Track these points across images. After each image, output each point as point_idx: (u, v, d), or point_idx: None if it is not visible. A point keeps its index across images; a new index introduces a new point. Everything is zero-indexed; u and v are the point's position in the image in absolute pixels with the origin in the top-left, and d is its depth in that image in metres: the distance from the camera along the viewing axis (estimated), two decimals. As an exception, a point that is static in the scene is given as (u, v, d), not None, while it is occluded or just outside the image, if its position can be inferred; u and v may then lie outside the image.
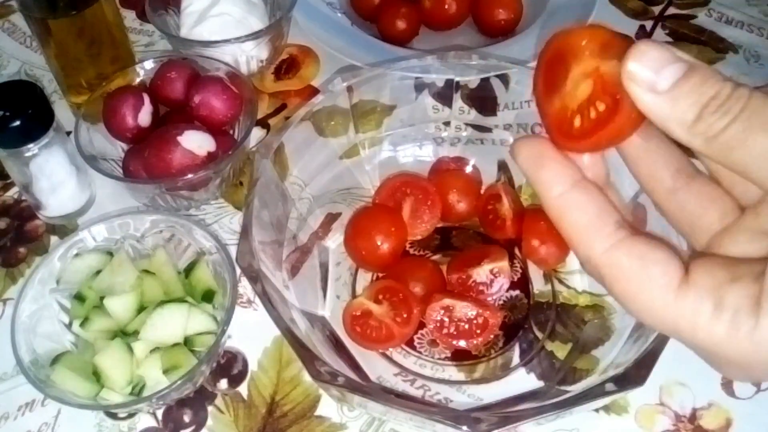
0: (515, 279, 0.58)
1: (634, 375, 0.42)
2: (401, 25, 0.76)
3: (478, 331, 0.53)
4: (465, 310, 0.53)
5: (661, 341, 0.43)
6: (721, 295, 0.26)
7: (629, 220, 0.29)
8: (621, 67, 0.25)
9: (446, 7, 0.77)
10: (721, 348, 0.26)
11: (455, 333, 0.53)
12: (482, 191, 0.61)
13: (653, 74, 0.25)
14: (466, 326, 0.53)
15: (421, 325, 0.55)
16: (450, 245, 0.61)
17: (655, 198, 0.31)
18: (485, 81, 0.61)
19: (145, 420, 0.53)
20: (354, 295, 0.58)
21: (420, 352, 0.54)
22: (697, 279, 0.26)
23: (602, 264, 0.28)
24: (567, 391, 0.48)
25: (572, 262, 0.59)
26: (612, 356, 0.49)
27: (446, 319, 0.53)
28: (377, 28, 0.78)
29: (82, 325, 0.52)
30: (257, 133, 0.70)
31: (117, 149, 0.66)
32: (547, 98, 0.30)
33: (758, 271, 0.26)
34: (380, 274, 0.58)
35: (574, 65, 0.28)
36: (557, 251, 0.57)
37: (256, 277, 0.47)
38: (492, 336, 0.54)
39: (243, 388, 0.54)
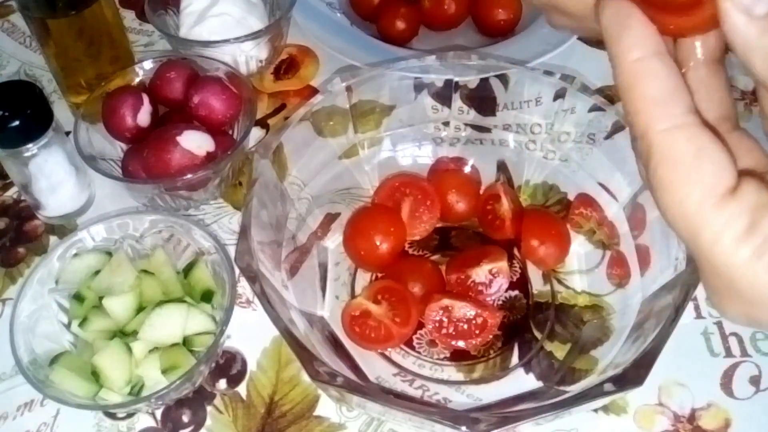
0: (514, 279, 0.58)
1: (633, 375, 0.42)
2: (401, 25, 0.76)
3: (477, 332, 0.53)
4: (464, 310, 0.53)
5: (660, 341, 0.43)
6: (759, 218, 0.24)
7: (715, 116, 0.28)
8: None
9: (446, 7, 0.77)
10: (734, 272, 0.25)
11: (454, 333, 0.53)
12: (481, 191, 0.61)
13: None
14: (465, 326, 0.53)
15: (420, 326, 0.55)
16: (449, 245, 0.61)
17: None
18: (484, 81, 0.61)
19: (143, 420, 0.53)
20: (353, 296, 0.58)
21: (419, 353, 0.54)
22: (744, 193, 0.25)
23: (657, 141, 0.26)
24: (566, 392, 0.48)
25: (571, 262, 0.59)
26: (611, 356, 0.49)
27: (445, 320, 0.53)
28: (377, 28, 0.78)
29: (81, 325, 0.52)
30: (256, 133, 0.70)
31: (116, 149, 0.66)
32: None
33: None
34: (379, 274, 0.58)
35: None
36: (556, 251, 0.57)
37: (255, 278, 0.47)
38: (491, 336, 0.54)
39: (242, 389, 0.54)
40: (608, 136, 0.56)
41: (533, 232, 0.57)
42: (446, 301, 0.54)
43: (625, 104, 0.27)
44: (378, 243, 0.57)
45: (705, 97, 0.28)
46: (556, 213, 0.60)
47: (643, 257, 0.53)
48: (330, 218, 0.61)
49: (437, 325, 0.53)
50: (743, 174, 0.26)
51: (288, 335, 0.45)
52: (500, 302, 0.57)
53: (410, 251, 0.61)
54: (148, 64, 0.68)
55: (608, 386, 0.42)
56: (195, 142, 0.59)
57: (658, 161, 0.26)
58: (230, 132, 0.67)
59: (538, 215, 0.60)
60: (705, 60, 0.28)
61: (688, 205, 0.25)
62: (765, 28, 0.24)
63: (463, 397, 0.52)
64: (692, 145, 0.25)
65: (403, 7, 0.77)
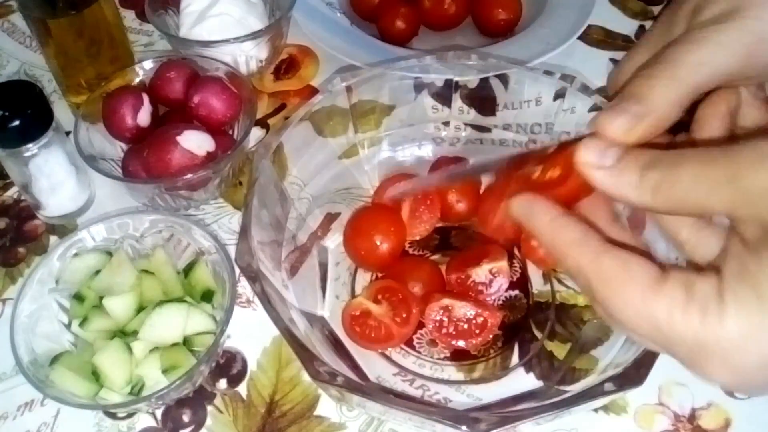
0: (514, 279, 0.58)
1: (633, 375, 0.42)
2: (401, 25, 0.76)
3: (477, 331, 0.53)
4: (464, 310, 0.53)
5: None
6: (690, 285, 0.29)
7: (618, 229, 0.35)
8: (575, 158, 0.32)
9: (446, 7, 0.77)
10: (697, 336, 0.28)
11: (454, 333, 0.53)
12: (481, 191, 0.61)
13: (599, 157, 0.32)
14: (465, 326, 0.53)
15: (421, 325, 0.55)
16: (449, 245, 0.61)
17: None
18: (484, 81, 0.61)
19: (144, 420, 0.53)
20: (353, 295, 0.58)
21: (419, 352, 0.54)
22: (671, 275, 0.30)
23: (590, 270, 0.31)
24: (566, 391, 0.48)
25: (571, 262, 0.59)
26: (611, 356, 0.49)
27: (445, 319, 0.53)
28: (377, 28, 0.78)
29: (81, 324, 0.52)
30: (256, 133, 0.70)
31: (116, 149, 0.66)
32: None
33: (720, 262, 0.29)
34: (379, 274, 0.58)
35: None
36: None
37: (255, 277, 0.47)
38: (491, 336, 0.54)
39: (242, 388, 0.54)
40: (608, 136, 0.56)
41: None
42: (446, 301, 0.54)
43: (555, 257, 0.33)
44: (378, 243, 0.57)
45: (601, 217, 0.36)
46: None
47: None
48: (330, 218, 0.61)
49: (437, 324, 0.53)
50: (666, 266, 0.31)
51: (288, 335, 0.45)
52: (500, 302, 0.57)
53: (410, 251, 0.61)
54: (148, 64, 0.68)
55: (608, 386, 0.42)
56: (195, 141, 0.59)
57: (597, 284, 0.31)
58: (230, 132, 0.67)
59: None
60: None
61: (633, 303, 0.30)
62: (620, 171, 0.31)
63: (463, 397, 0.52)
64: (616, 260, 0.31)
65: (403, 6, 0.77)
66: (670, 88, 0.33)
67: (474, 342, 0.54)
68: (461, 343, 0.54)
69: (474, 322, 0.53)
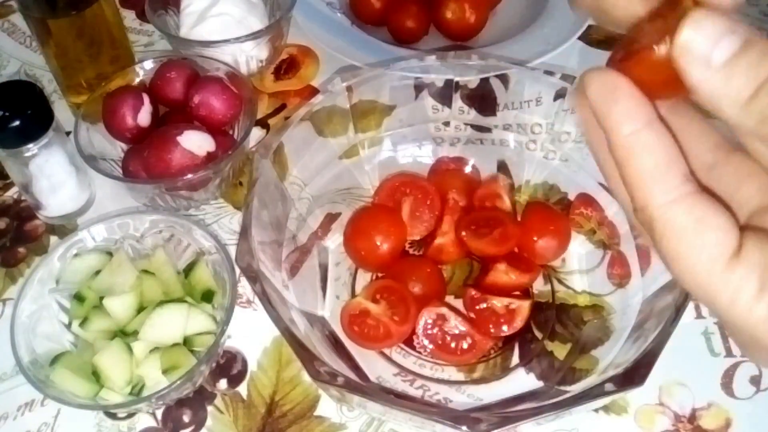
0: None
1: (634, 375, 0.42)
2: (411, 24, 0.76)
3: (460, 351, 0.53)
4: (456, 323, 0.53)
5: (660, 341, 0.43)
6: (765, 275, 0.25)
7: (706, 165, 0.28)
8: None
9: (467, 16, 0.75)
10: (755, 329, 0.25)
11: (440, 343, 0.53)
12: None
13: (708, 47, 0.23)
14: (453, 343, 0.53)
15: (421, 325, 0.55)
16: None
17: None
18: (485, 81, 0.61)
19: (144, 420, 0.53)
20: (353, 295, 0.58)
21: (419, 352, 0.54)
22: (749, 254, 0.25)
23: (657, 216, 0.26)
24: (566, 391, 0.48)
25: (572, 262, 0.59)
26: (611, 356, 0.49)
27: (436, 329, 0.53)
28: (387, 29, 0.78)
29: (81, 325, 0.52)
30: (257, 133, 0.70)
31: (116, 149, 0.66)
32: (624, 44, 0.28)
33: None
34: (380, 274, 0.58)
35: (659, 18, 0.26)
36: (556, 245, 0.57)
37: (255, 277, 0.47)
38: (473, 360, 0.54)
39: (242, 388, 0.54)
40: (609, 136, 0.56)
41: (532, 226, 0.57)
42: (443, 310, 0.53)
43: (622, 177, 0.27)
44: (378, 243, 0.57)
45: (694, 134, 0.29)
46: (557, 213, 0.60)
47: (644, 257, 0.53)
48: (330, 218, 0.61)
49: (428, 326, 0.53)
50: (746, 230, 0.26)
51: (289, 335, 0.45)
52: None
53: (411, 251, 0.61)
54: (148, 64, 0.68)
55: (609, 386, 0.42)
56: (195, 142, 0.59)
57: (661, 234, 0.26)
58: (231, 132, 0.67)
59: (537, 209, 0.60)
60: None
61: (698, 274, 0.26)
62: (728, 75, 0.24)
63: (463, 397, 0.52)
64: (691, 216, 0.26)
65: (413, 6, 0.76)
66: None
67: (452, 359, 0.53)
68: (440, 355, 0.53)
69: (461, 341, 0.53)
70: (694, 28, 0.23)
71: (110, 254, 0.56)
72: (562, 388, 0.50)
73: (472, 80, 0.61)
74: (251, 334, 0.56)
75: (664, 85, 0.26)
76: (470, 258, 0.60)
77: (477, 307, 0.54)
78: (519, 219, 0.59)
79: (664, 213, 0.26)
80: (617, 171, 0.27)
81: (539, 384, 0.53)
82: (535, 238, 0.57)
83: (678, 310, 0.44)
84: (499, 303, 0.54)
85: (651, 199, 0.26)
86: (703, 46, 0.23)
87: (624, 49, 0.27)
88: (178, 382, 0.49)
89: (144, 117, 0.63)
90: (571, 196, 0.60)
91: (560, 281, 0.58)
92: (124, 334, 0.52)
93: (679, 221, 0.26)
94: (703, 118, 0.29)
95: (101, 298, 0.53)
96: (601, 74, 0.27)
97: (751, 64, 0.23)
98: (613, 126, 0.26)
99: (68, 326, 0.54)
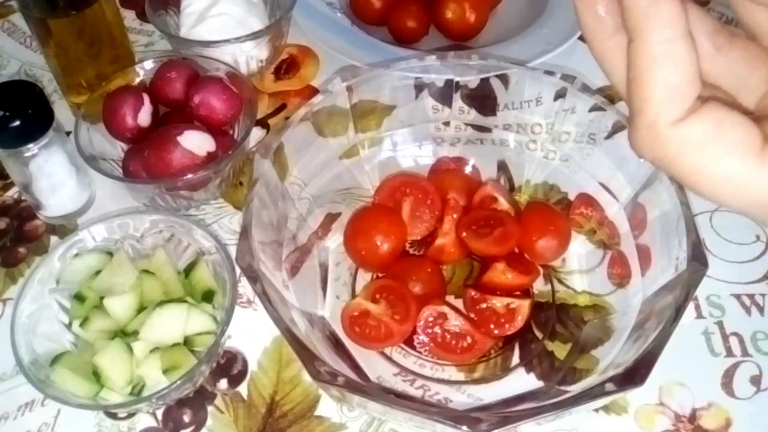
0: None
1: (634, 375, 0.42)
2: (412, 24, 0.76)
3: (459, 350, 0.53)
4: (456, 323, 0.53)
5: (661, 341, 0.43)
6: None
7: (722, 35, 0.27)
8: None
9: (467, 16, 0.75)
10: None
11: (439, 341, 0.53)
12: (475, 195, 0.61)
13: None
14: (453, 341, 0.53)
15: (421, 325, 0.55)
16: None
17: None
18: (485, 81, 0.61)
19: (144, 420, 0.53)
20: (354, 295, 0.58)
21: (420, 352, 0.54)
22: None
23: (671, 134, 0.25)
24: (567, 391, 0.49)
25: (572, 262, 0.59)
26: (612, 356, 0.49)
27: (437, 327, 0.53)
28: (387, 28, 0.78)
29: (81, 325, 0.52)
30: (257, 133, 0.70)
31: (117, 149, 0.66)
32: None
33: None
34: (380, 274, 0.58)
35: None
36: (556, 245, 0.57)
37: (255, 277, 0.47)
38: (473, 360, 0.54)
39: (243, 388, 0.54)
40: (609, 136, 0.56)
41: (532, 226, 0.57)
42: (444, 308, 0.53)
43: (635, 87, 0.25)
44: (379, 243, 0.57)
45: (690, 23, 0.26)
46: (557, 213, 0.60)
47: (644, 257, 0.53)
48: (331, 218, 0.61)
49: (428, 324, 0.53)
50: (762, 119, 0.25)
51: (289, 335, 0.45)
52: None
53: (411, 251, 0.61)
54: (148, 64, 0.68)
55: (609, 386, 0.42)
56: (195, 142, 0.59)
57: (677, 153, 0.25)
58: (231, 132, 0.67)
59: (537, 209, 0.60)
60: None
61: (736, 176, 0.24)
62: None
63: (464, 397, 0.52)
64: (708, 121, 0.24)
65: (413, 6, 0.76)
66: None
67: (452, 357, 0.53)
68: (440, 353, 0.53)
69: (463, 340, 0.53)
70: None
71: (110, 254, 0.56)
72: (563, 388, 0.50)
73: (472, 80, 0.61)
74: (251, 334, 0.56)
75: None
76: (471, 258, 0.60)
77: (477, 307, 0.54)
78: (519, 219, 0.59)
79: (678, 130, 0.25)
80: (623, 74, 0.26)
81: (539, 384, 0.53)
82: (535, 238, 0.57)
83: (678, 310, 0.44)
84: (499, 303, 0.54)
85: (663, 115, 0.25)
86: None
87: None
88: (179, 382, 0.49)
89: (144, 117, 0.63)
90: (571, 196, 0.60)
91: (560, 281, 0.58)
92: (125, 334, 0.52)
93: (695, 132, 0.24)
94: (698, 7, 0.28)
95: (101, 298, 0.53)
96: None
97: None
98: (655, 26, 0.24)
99: (68, 326, 0.54)
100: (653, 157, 0.26)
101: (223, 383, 0.54)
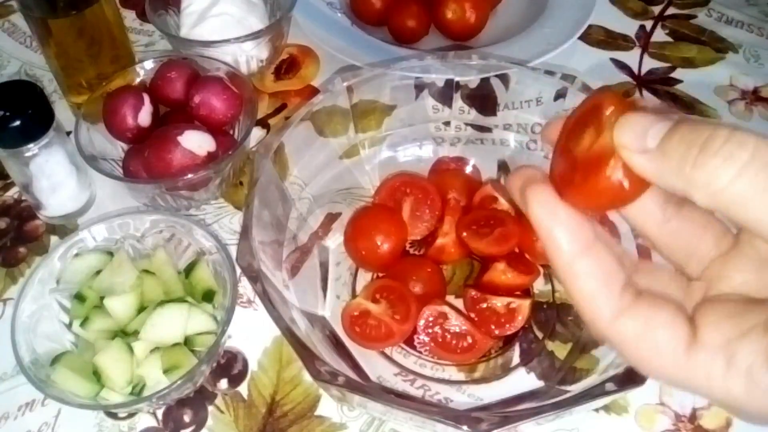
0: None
1: (634, 375, 0.42)
2: (412, 23, 0.76)
3: (459, 350, 0.53)
4: (457, 323, 0.53)
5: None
6: (731, 353, 0.25)
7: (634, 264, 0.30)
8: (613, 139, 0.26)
9: (467, 16, 0.75)
10: (742, 404, 0.26)
11: (440, 340, 0.53)
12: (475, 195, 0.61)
13: (640, 137, 0.25)
14: (453, 341, 0.53)
15: (421, 325, 0.55)
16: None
17: (647, 233, 0.31)
18: (485, 81, 0.61)
19: (145, 420, 0.53)
20: (354, 295, 0.58)
21: (420, 352, 0.54)
22: (705, 337, 0.26)
23: (610, 332, 0.28)
24: (567, 391, 0.48)
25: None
26: (612, 356, 0.49)
27: (437, 327, 0.53)
28: (387, 28, 0.78)
29: (82, 324, 0.52)
30: (257, 133, 0.70)
31: (117, 149, 0.66)
32: (562, 150, 0.29)
33: (766, 320, 0.25)
34: (380, 274, 0.58)
35: (592, 129, 0.28)
36: None
37: (256, 277, 0.47)
38: (472, 360, 0.54)
39: (243, 388, 0.54)
40: (609, 136, 0.56)
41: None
42: (444, 308, 0.53)
43: (568, 296, 0.28)
44: (379, 243, 0.57)
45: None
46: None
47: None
48: (331, 218, 0.61)
49: (428, 324, 0.53)
50: (699, 309, 0.27)
51: (289, 335, 0.45)
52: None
53: (411, 251, 0.61)
54: (148, 64, 0.68)
55: (609, 386, 0.42)
56: (196, 141, 0.59)
57: (621, 347, 0.28)
58: (231, 132, 0.67)
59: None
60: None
61: (668, 370, 0.27)
62: (663, 152, 0.25)
63: (464, 397, 0.52)
64: (638, 321, 0.27)
65: (414, 6, 0.76)
66: None
67: (452, 357, 0.53)
68: (440, 353, 0.53)
69: (463, 339, 0.53)
70: (624, 126, 0.26)
71: (111, 254, 0.56)
72: (563, 387, 0.50)
73: (472, 80, 0.61)
74: (252, 334, 0.56)
75: (604, 199, 0.27)
76: (471, 258, 0.60)
77: (478, 307, 0.54)
78: (519, 219, 0.59)
79: (614, 328, 0.27)
80: None
81: (540, 384, 0.53)
82: (535, 238, 0.57)
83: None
84: (499, 303, 0.54)
85: (599, 319, 0.28)
86: (634, 137, 0.25)
87: (562, 166, 0.29)
88: (179, 381, 0.49)
89: (144, 117, 0.63)
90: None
91: (561, 281, 0.58)
92: (125, 334, 0.52)
93: (629, 330, 0.27)
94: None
95: (102, 298, 0.53)
96: (539, 190, 0.28)
97: (683, 137, 0.24)
98: (555, 249, 0.28)
99: (69, 326, 0.54)
100: (606, 345, 0.29)
101: (223, 383, 0.54)
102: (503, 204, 0.59)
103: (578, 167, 0.27)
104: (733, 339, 0.25)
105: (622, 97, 0.27)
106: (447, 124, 0.63)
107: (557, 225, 0.27)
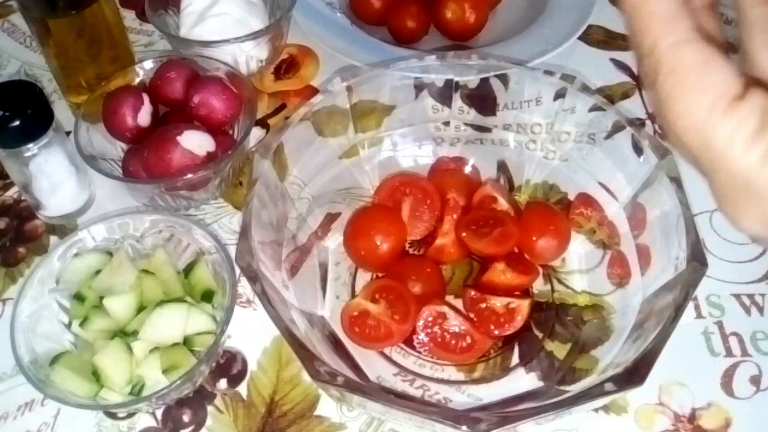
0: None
1: (634, 375, 0.42)
2: (412, 24, 0.76)
3: (458, 350, 0.53)
4: (456, 323, 0.53)
5: (660, 341, 0.43)
6: (767, 117, 0.25)
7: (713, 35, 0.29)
8: None
9: (467, 16, 0.75)
10: (749, 172, 0.25)
11: (439, 340, 0.53)
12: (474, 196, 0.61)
13: None
14: (453, 341, 0.53)
15: (421, 325, 0.55)
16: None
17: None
18: (485, 81, 0.61)
19: (144, 420, 0.53)
20: (353, 295, 0.58)
21: (419, 352, 0.54)
22: (752, 98, 0.25)
23: (665, 54, 0.27)
24: (566, 391, 0.48)
25: (571, 262, 0.59)
26: (611, 356, 0.49)
27: (437, 327, 0.53)
28: (387, 28, 0.78)
29: (81, 324, 0.52)
30: (257, 133, 0.70)
31: (116, 149, 0.66)
32: None
33: None
34: (379, 274, 0.58)
35: None
36: (556, 245, 0.57)
37: (255, 277, 0.47)
38: (472, 359, 0.54)
39: (242, 388, 0.54)
40: (608, 136, 0.56)
41: (532, 226, 0.57)
42: (444, 308, 0.53)
43: (633, 24, 0.28)
44: (378, 243, 0.57)
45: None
46: (557, 213, 0.60)
47: (644, 257, 0.53)
48: (330, 218, 0.61)
49: (428, 324, 0.53)
50: (749, 82, 0.26)
51: (288, 335, 0.45)
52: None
53: (411, 251, 0.61)
54: (148, 64, 0.68)
55: (609, 386, 0.42)
56: (195, 141, 0.59)
57: (666, 73, 0.26)
58: (231, 132, 0.67)
59: (537, 209, 0.60)
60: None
61: (698, 112, 0.26)
62: None
63: (463, 397, 0.52)
64: (699, 56, 0.26)
65: (413, 6, 0.76)
66: None
67: (451, 357, 0.53)
68: (439, 353, 0.53)
69: (462, 340, 0.53)
70: None
71: (110, 254, 0.56)
72: (562, 387, 0.50)
73: (472, 80, 0.61)
74: (251, 334, 0.56)
75: None
76: (470, 258, 0.60)
77: (477, 307, 0.54)
78: (519, 219, 0.59)
79: (672, 52, 0.26)
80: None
81: (539, 384, 0.53)
82: (534, 238, 0.57)
83: (678, 310, 0.44)
84: (498, 303, 0.54)
85: (661, 38, 0.27)
86: None
87: None
88: (178, 381, 0.49)
89: (144, 117, 0.63)
90: (571, 196, 0.60)
91: (560, 281, 0.58)
92: (124, 334, 0.52)
93: (686, 59, 0.26)
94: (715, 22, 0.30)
95: (101, 298, 0.53)
96: None
97: None
98: None
99: (68, 326, 0.54)
100: (650, 79, 0.27)
101: (222, 383, 0.54)
102: (503, 204, 0.59)
103: None
104: None
105: None
106: (446, 124, 0.63)
107: None
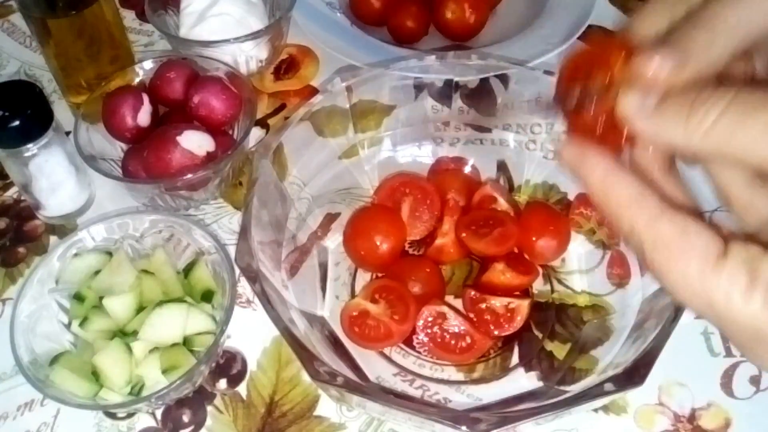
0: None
1: (633, 375, 0.42)
2: (412, 24, 0.76)
3: (458, 350, 0.53)
4: (456, 323, 0.53)
5: (660, 341, 0.43)
6: (755, 267, 0.26)
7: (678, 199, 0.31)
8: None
9: (467, 16, 0.75)
10: (756, 321, 0.26)
11: (439, 340, 0.53)
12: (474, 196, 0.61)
13: (640, 102, 0.28)
14: (452, 341, 0.53)
15: (420, 325, 0.55)
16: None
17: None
18: (485, 81, 0.61)
19: (144, 420, 0.53)
20: (353, 295, 0.58)
21: (419, 352, 0.54)
22: (734, 252, 0.27)
23: (644, 233, 0.28)
24: (566, 391, 0.49)
25: (571, 262, 0.59)
26: (611, 356, 0.49)
27: (436, 327, 0.53)
28: (387, 28, 0.78)
29: (81, 325, 0.52)
30: (256, 133, 0.70)
31: (116, 149, 0.66)
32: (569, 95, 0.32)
33: None
34: (379, 274, 0.58)
35: (598, 77, 0.30)
36: (556, 245, 0.57)
37: (255, 277, 0.47)
38: (472, 360, 0.54)
39: (242, 388, 0.54)
40: (608, 136, 0.56)
41: (532, 226, 0.57)
42: (443, 308, 0.53)
43: (608, 216, 0.30)
44: (378, 243, 0.57)
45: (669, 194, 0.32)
46: (556, 213, 0.60)
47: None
48: (330, 218, 0.61)
49: (427, 324, 0.53)
50: (729, 236, 0.28)
51: (288, 335, 0.45)
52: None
53: (410, 251, 0.61)
54: (148, 64, 0.68)
55: (608, 386, 0.42)
56: (195, 141, 0.59)
57: (651, 249, 0.28)
58: (230, 132, 0.67)
59: (537, 209, 0.60)
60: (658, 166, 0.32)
61: (690, 277, 0.27)
62: (664, 111, 0.28)
63: (463, 397, 0.52)
64: (675, 226, 0.28)
65: (413, 6, 0.76)
66: (713, 42, 0.29)
67: (451, 357, 0.53)
68: (439, 353, 0.53)
69: (462, 340, 0.53)
70: (624, 99, 0.29)
71: (110, 254, 0.56)
72: (562, 388, 0.50)
73: (472, 80, 0.61)
74: (251, 334, 0.56)
75: (610, 138, 0.30)
76: (470, 258, 0.60)
77: (476, 307, 0.54)
78: (518, 219, 0.59)
79: (650, 229, 0.28)
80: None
81: (539, 384, 0.52)
82: (534, 238, 0.57)
83: (678, 310, 0.44)
84: (498, 303, 0.54)
85: (636, 220, 0.29)
86: (636, 104, 0.29)
87: (575, 117, 0.32)
88: (178, 382, 0.49)
89: (144, 117, 0.63)
90: (571, 196, 0.60)
91: (560, 281, 0.58)
92: (124, 334, 0.52)
93: (665, 232, 0.28)
94: (677, 182, 0.32)
95: (101, 298, 0.53)
96: (568, 147, 0.31)
97: (678, 96, 0.28)
98: (587, 174, 0.30)
99: (68, 326, 0.54)
100: (640, 256, 0.30)
101: (222, 383, 0.54)
102: (502, 204, 0.59)
103: (595, 134, 0.31)
104: (758, 255, 0.26)
105: (623, 45, 0.30)
106: (446, 124, 0.63)
107: (583, 160, 0.30)
